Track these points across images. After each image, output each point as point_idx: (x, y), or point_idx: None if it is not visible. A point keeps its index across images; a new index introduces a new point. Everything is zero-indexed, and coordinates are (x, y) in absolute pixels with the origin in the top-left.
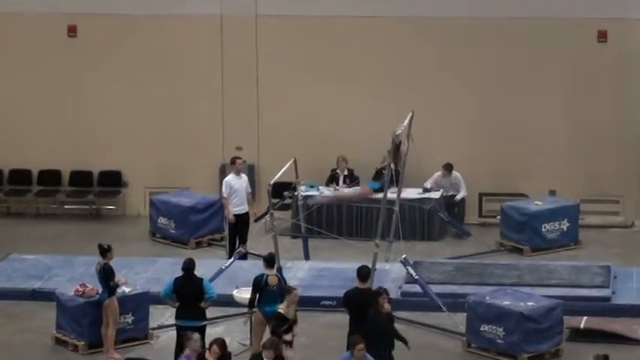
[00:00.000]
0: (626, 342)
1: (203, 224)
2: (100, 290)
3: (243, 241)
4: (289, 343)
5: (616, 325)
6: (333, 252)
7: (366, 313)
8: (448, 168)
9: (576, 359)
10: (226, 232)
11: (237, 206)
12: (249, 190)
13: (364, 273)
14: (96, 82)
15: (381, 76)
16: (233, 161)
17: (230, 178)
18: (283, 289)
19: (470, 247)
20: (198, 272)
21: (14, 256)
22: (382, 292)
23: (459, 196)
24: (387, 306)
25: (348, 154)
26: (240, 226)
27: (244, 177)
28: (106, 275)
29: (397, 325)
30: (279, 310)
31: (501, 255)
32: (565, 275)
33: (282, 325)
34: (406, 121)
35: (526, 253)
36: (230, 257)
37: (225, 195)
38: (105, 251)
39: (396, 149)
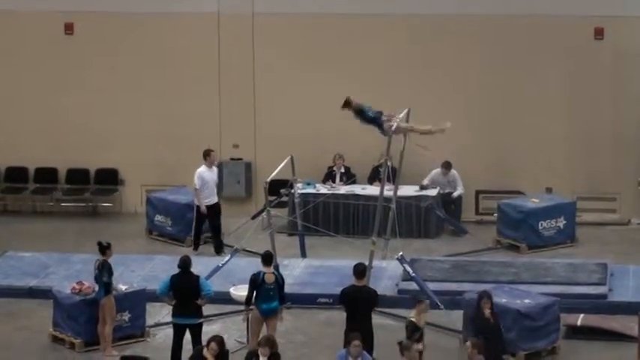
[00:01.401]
0: (622, 339)
1: None
2: (97, 288)
3: (217, 232)
4: (420, 353)
5: (613, 323)
6: (329, 249)
7: (363, 310)
8: (447, 166)
9: (573, 357)
10: (194, 222)
11: (207, 197)
12: (217, 181)
13: (360, 270)
14: (93, 80)
15: (378, 73)
16: (208, 153)
17: (202, 169)
18: (280, 287)
19: (467, 244)
20: (194, 270)
21: (11, 253)
22: (483, 295)
23: (455, 194)
24: (486, 312)
25: (345, 151)
26: (212, 216)
27: (215, 169)
28: (103, 270)
29: (394, 323)
30: (411, 319)
31: (498, 252)
32: (562, 273)
33: (414, 334)
34: (401, 116)
35: (523, 250)
36: (195, 247)
37: (197, 186)
38: (104, 249)
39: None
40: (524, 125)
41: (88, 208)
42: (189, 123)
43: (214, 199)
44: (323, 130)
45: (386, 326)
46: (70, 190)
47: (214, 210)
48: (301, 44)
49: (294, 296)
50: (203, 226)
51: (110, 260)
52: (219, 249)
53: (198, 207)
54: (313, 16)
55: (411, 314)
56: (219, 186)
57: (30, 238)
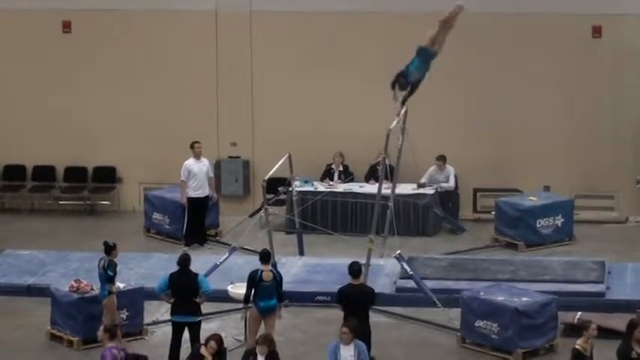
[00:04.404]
0: (620, 337)
1: None
2: (98, 286)
3: (201, 225)
4: None
5: (610, 321)
6: (327, 247)
7: (360, 308)
8: (442, 159)
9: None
10: (186, 216)
11: (195, 190)
12: (211, 174)
13: (355, 270)
14: (90, 78)
15: (376, 71)
16: (192, 145)
17: (189, 162)
18: (278, 285)
19: (464, 242)
20: (192, 268)
21: (9, 251)
22: (637, 323)
23: (445, 185)
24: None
25: (343, 149)
26: (199, 209)
27: (205, 161)
28: (110, 267)
29: (391, 321)
30: (576, 346)
31: (496, 250)
32: (559, 271)
33: None
34: (400, 116)
35: (521, 248)
36: (186, 242)
37: (183, 178)
38: (110, 249)
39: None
40: (522, 123)
41: (85, 206)
42: (187, 121)
43: (204, 192)
44: (321, 128)
45: (383, 324)
46: (68, 188)
47: (202, 203)
48: (299, 42)
49: (292, 294)
50: (205, 222)
51: (115, 260)
52: (202, 240)
53: (188, 201)
54: (311, 13)
55: (578, 341)
56: (218, 182)
57: (28, 236)
